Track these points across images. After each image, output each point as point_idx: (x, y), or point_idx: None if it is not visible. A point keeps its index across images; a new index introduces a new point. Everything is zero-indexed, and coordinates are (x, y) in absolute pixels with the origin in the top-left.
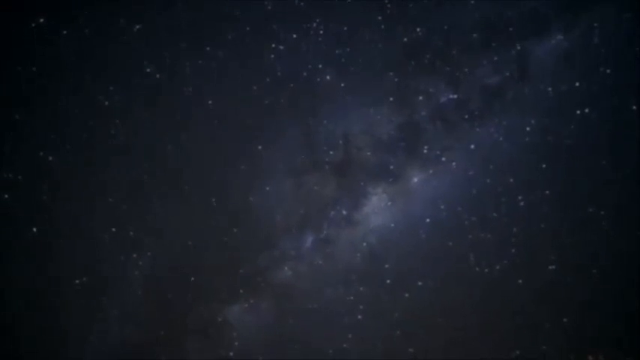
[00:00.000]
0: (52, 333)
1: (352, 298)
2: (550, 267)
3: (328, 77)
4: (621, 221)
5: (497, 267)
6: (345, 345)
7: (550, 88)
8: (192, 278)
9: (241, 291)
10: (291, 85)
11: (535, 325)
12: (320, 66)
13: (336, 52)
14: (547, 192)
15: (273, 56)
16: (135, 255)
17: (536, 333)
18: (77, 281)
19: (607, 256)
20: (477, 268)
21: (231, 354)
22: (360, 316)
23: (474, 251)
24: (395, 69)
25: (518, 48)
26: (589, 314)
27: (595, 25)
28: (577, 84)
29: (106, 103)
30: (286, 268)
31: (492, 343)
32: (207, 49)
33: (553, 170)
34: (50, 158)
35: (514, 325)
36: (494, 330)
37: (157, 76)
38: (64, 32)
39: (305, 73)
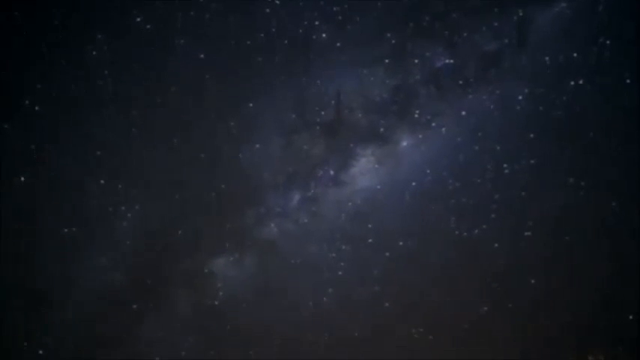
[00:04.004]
0: (38, 280)
1: (334, 255)
2: (526, 233)
3: (324, 35)
4: (599, 192)
5: (476, 231)
6: (324, 299)
7: (547, 58)
8: (180, 231)
9: (227, 245)
10: (286, 41)
11: (507, 288)
12: (316, 23)
13: (334, 9)
14: (532, 161)
15: (268, 11)
16: (123, 207)
17: (507, 293)
18: (66, 230)
19: (582, 225)
20: (457, 232)
21: (216, 303)
22: (340, 272)
23: (455, 215)
24: (393, 30)
25: (520, 14)
26: (557, 278)
27: None
28: (575, 54)
29: (94, 53)
30: (272, 224)
31: (463, 299)
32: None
33: (540, 140)
34: (37, 108)
35: (487, 286)
36: (467, 289)
37: (148, 26)
38: None
39: (300, 30)
